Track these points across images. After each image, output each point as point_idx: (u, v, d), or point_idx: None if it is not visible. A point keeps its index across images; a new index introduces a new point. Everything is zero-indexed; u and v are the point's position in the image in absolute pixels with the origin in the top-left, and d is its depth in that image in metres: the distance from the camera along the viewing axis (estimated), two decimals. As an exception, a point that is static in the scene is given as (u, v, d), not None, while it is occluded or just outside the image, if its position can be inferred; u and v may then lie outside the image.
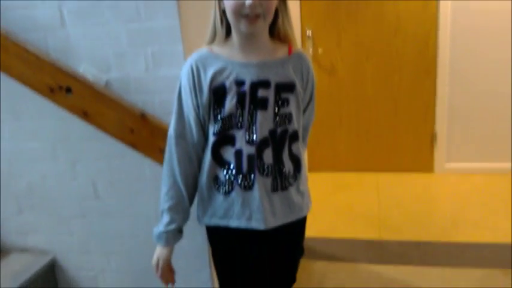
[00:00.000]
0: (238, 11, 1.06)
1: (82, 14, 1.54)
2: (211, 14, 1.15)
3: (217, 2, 1.12)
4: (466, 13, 2.99)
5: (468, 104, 3.15)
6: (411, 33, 3.13)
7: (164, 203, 1.22)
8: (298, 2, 3.24)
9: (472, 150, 3.23)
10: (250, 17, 1.06)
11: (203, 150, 1.20)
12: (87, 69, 1.57)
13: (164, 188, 1.22)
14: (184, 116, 1.18)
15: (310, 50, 3.30)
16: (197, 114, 1.17)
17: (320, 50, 3.31)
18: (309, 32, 3.27)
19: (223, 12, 1.12)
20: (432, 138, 3.30)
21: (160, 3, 1.47)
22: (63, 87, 1.52)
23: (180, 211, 1.22)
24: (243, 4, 1.04)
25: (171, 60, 1.53)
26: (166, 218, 1.22)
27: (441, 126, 3.24)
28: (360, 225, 2.52)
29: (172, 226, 1.21)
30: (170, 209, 1.21)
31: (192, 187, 1.23)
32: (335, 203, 2.90)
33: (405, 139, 3.36)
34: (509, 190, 2.88)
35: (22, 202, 1.81)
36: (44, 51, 1.57)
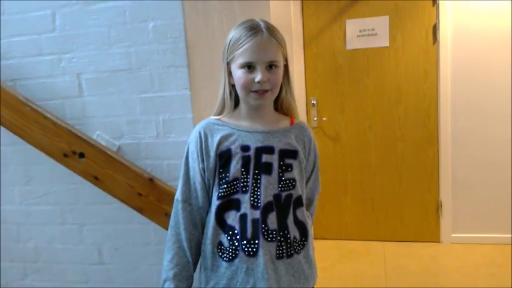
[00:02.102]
0: (249, 87, 1.13)
1: (99, 84, 1.63)
2: (221, 88, 1.22)
3: (226, 76, 1.19)
4: (465, 86, 3.10)
5: (472, 174, 3.18)
6: (412, 104, 3.23)
7: (168, 270, 1.19)
8: (303, 72, 3.39)
9: (478, 221, 3.21)
10: (259, 92, 1.13)
11: (207, 215, 1.21)
12: (100, 136, 1.64)
13: (168, 254, 1.20)
14: (190, 181, 1.21)
15: (315, 118, 3.40)
16: (203, 179, 1.19)
17: (324, 118, 3.41)
18: (313, 101, 3.39)
19: (232, 86, 1.19)
20: (437, 207, 3.29)
21: (174, 75, 1.56)
22: (76, 152, 1.58)
23: (184, 279, 1.20)
24: (253, 80, 1.12)
25: (180, 127, 1.59)
26: (170, 287, 1.19)
27: (446, 196, 3.25)
28: (367, 296, 2.47)
29: None
30: (175, 277, 1.18)
31: (196, 254, 1.22)
32: (341, 272, 2.84)
33: (410, 208, 3.35)
34: (518, 262, 2.83)
35: (28, 266, 1.81)
36: (61, 118, 1.65)
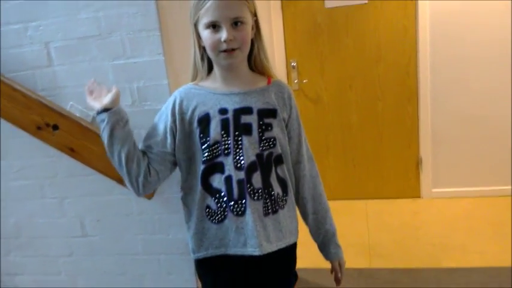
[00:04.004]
0: (216, 47, 1.12)
1: (69, 52, 1.57)
2: (191, 53, 1.21)
3: (196, 40, 1.17)
4: (444, 41, 3.08)
5: (451, 129, 3.22)
6: (392, 61, 3.22)
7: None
8: (282, 33, 3.32)
9: (458, 175, 3.28)
10: (227, 51, 1.11)
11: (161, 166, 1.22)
12: (74, 106, 1.59)
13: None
14: (151, 131, 1.22)
15: (296, 80, 3.36)
16: (164, 136, 1.20)
17: (305, 81, 3.37)
18: (293, 63, 3.34)
19: (203, 49, 1.17)
20: (417, 163, 3.35)
21: (146, 40, 1.51)
22: (50, 124, 1.53)
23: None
24: (219, 40, 1.10)
25: (156, 94, 1.55)
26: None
27: (426, 152, 3.29)
28: (351, 253, 2.50)
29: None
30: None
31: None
32: (325, 231, 2.90)
33: (391, 165, 3.40)
34: (496, 213, 2.91)
35: (10, 242, 1.79)
36: (32, 90, 1.59)
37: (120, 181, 1.55)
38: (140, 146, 1.23)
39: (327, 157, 3.48)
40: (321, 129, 3.44)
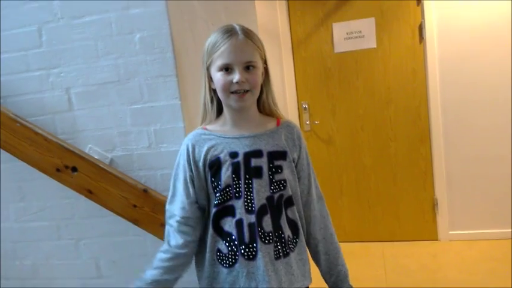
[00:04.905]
0: (228, 88, 1.15)
1: (88, 97, 1.63)
2: (201, 95, 1.24)
3: (207, 82, 1.21)
4: (454, 83, 3.12)
5: (466, 170, 3.19)
6: (403, 103, 3.26)
7: (156, 268, 1.19)
8: (293, 76, 3.41)
9: (475, 217, 3.22)
10: (239, 92, 1.15)
11: (196, 223, 1.22)
12: (92, 149, 1.64)
13: (157, 261, 1.20)
14: (177, 192, 1.23)
15: (308, 121, 3.41)
16: (190, 189, 1.21)
17: (317, 122, 3.42)
18: (305, 105, 3.41)
19: (214, 92, 1.21)
20: (433, 205, 3.31)
21: (163, 85, 1.57)
22: (69, 166, 1.57)
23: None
24: (231, 81, 1.14)
25: (172, 136, 1.59)
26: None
27: (441, 194, 3.26)
28: (368, 297, 2.47)
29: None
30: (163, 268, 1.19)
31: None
32: (341, 274, 2.84)
33: (407, 207, 3.36)
34: (515, 255, 2.84)
35: (26, 283, 1.79)
36: (52, 133, 1.65)
37: (135, 222, 1.57)
38: (180, 214, 1.22)
39: (341, 198, 3.46)
40: (334, 170, 3.44)
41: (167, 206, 1.25)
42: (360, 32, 3.25)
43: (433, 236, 3.33)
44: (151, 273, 1.18)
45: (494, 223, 3.18)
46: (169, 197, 1.25)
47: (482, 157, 3.15)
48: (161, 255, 1.20)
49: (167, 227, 1.24)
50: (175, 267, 1.20)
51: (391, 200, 3.38)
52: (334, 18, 3.29)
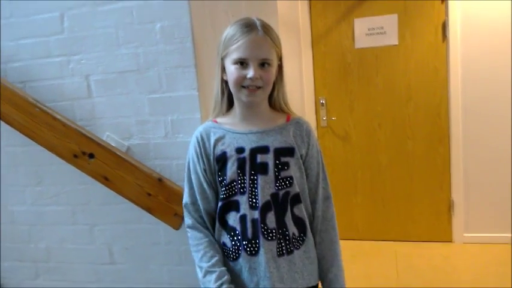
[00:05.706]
0: (240, 82, 1.15)
1: (108, 85, 1.64)
2: (214, 87, 1.24)
3: (220, 71, 1.21)
4: (476, 82, 3.06)
5: (484, 172, 3.14)
6: (422, 102, 3.21)
7: (205, 267, 1.18)
8: (311, 71, 3.38)
9: (491, 220, 3.17)
10: (250, 88, 1.14)
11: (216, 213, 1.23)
12: (110, 137, 1.65)
13: (197, 254, 1.20)
14: (193, 184, 1.23)
15: (325, 117, 3.39)
16: (206, 180, 1.21)
17: (334, 118, 3.39)
18: (322, 100, 3.38)
19: (225, 84, 1.21)
20: (449, 207, 3.26)
21: (182, 75, 1.57)
22: (86, 153, 1.59)
23: (222, 265, 1.19)
24: (245, 76, 1.13)
25: (189, 127, 1.60)
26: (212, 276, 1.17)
27: (458, 195, 3.21)
28: (378, 296, 2.45)
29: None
30: (214, 266, 1.17)
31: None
32: (353, 272, 2.82)
33: (422, 207, 3.32)
34: (532, 261, 2.79)
35: (39, 266, 1.83)
36: (71, 119, 1.66)
37: (149, 210, 1.59)
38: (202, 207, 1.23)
39: (355, 195, 3.44)
40: (349, 167, 3.41)
41: (186, 199, 1.26)
42: (382, 28, 3.21)
43: (447, 238, 3.29)
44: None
45: (509, 227, 3.12)
46: (187, 190, 1.26)
47: (501, 159, 3.09)
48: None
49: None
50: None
51: (406, 199, 3.35)
52: (356, 13, 3.25)
